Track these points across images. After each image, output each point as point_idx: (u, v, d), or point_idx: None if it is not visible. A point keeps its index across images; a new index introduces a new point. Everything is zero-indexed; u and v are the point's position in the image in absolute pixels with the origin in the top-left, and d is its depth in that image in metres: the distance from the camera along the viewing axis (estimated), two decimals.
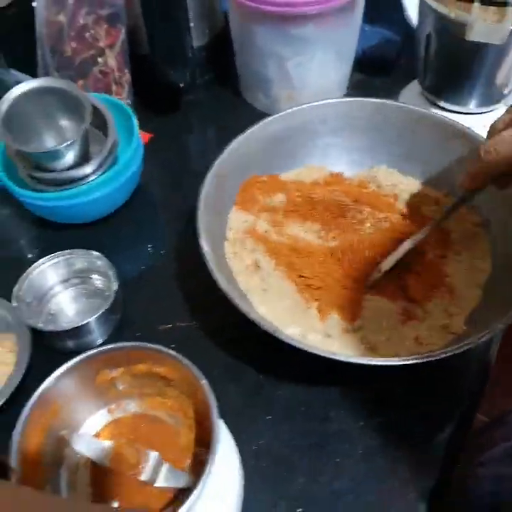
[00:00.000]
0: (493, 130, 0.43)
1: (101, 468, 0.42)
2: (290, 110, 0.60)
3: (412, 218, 0.55)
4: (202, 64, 0.77)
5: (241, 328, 0.52)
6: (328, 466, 0.46)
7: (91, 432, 0.44)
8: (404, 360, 0.40)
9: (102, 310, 0.51)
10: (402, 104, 0.60)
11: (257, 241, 0.53)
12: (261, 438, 0.48)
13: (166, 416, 0.45)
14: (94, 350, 0.41)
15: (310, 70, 0.70)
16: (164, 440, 0.43)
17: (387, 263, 0.49)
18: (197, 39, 0.74)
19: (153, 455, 0.41)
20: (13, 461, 0.37)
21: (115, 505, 0.40)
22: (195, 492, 0.35)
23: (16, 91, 0.55)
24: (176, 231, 0.64)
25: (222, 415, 0.39)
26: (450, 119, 0.57)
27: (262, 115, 0.75)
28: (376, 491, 0.45)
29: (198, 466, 0.42)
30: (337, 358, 0.41)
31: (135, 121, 0.62)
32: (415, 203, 0.57)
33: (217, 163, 0.54)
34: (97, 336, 0.53)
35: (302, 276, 0.49)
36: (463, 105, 0.64)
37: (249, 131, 0.58)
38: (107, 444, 0.42)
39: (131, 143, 0.61)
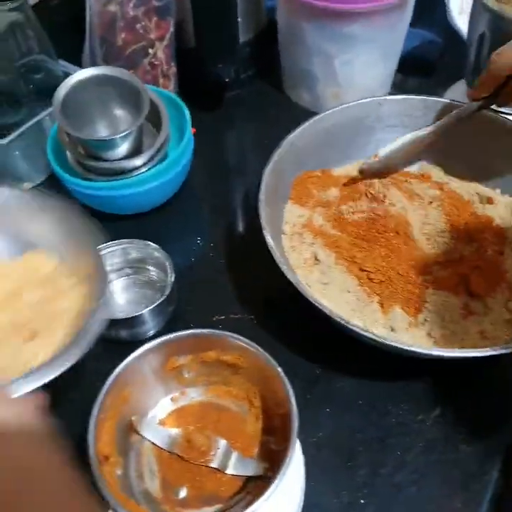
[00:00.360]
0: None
1: (169, 455, 0.42)
2: (344, 105, 0.60)
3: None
4: (246, 60, 0.77)
5: (297, 320, 0.52)
6: (389, 459, 0.46)
7: (156, 420, 0.44)
8: (485, 352, 0.40)
9: (158, 301, 0.51)
10: (455, 102, 0.59)
11: (315, 235, 0.53)
12: (321, 430, 0.47)
13: (232, 404, 0.45)
14: (166, 337, 0.41)
15: (356, 69, 0.71)
16: (231, 428, 0.43)
17: (384, 150, 0.55)
18: (243, 34, 0.74)
19: (223, 443, 0.41)
20: (91, 448, 0.37)
21: (184, 491, 0.40)
22: (276, 482, 0.35)
23: (75, 78, 0.55)
24: (221, 225, 0.64)
25: None
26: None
27: (305, 113, 0.76)
28: (438, 483, 0.45)
29: (266, 455, 0.42)
30: (422, 350, 0.41)
31: (188, 116, 0.62)
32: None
33: (274, 157, 0.54)
34: (151, 327, 0.53)
35: (364, 270, 0.49)
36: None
37: (302, 127, 0.58)
38: (175, 431, 0.42)
39: (181, 136, 0.61)
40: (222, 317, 0.55)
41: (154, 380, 0.43)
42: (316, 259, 0.51)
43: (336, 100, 0.73)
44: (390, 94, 0.78)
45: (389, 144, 0.57)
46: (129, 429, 0.42)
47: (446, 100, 0.60)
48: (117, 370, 0.39)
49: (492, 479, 0.45)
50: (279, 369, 0.39)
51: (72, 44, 0.73)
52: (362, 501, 0.44)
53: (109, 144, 0.56)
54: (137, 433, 0.42)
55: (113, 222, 0.63)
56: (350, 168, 0.60)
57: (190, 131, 0.62)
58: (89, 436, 0.37)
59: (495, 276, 0.49)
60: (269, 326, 0.54)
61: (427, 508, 0.44)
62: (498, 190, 0.58)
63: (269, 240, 0.47)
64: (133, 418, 0.42)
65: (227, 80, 0.73)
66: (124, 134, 0.55)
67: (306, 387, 0.50)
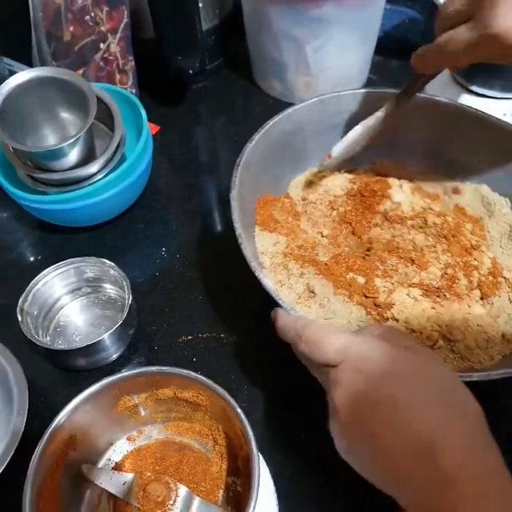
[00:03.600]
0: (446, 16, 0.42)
1: (127, 504, 0.38)
2: (290, 109, 0.53)
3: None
4: (211, 49, 0.71)
5: (273, 339, 0.48)
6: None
7: (111, 464, 0.40)
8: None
9: (116, 326, 0.46)
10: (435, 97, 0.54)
11: (302, 263, 0.47)
12: (294, 462, 0.43)
13: (195, 442, 0.41)
14: (114, 377, 0.37)
15: (329, 55, 0.65)
16: (194, 470, 0.39)
17: (337, 148, 0.50)
18: (205, 21, 0.68)
19: (184, 490, 0.37)
20: (27, 502, 0.33)
21: None
22: None
23: (12, 82, 0.50)
24: (189, 232, 0.59)
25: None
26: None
27: (277, 103, 0.71)
28: None
29: (232, 498, 0.38)
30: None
31: (144, 113, 0.57)
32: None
33: (236, 179, 0.46)
34: (112, 352, 0.49)
35: (368, 297, 0.44)
36: (498, 90, 0.59)
37: (254, 141, 0.50)
38: (130, 477, 0.38)
39: (139, 136, 0.56)
40: (190, 337, 0.51)
41: (106, 421, 0.39)
42: (311, 292, 0.45)
43: (308, 89, 0.67)
44: (369, 80, 0.72)
45: (340, 141, 0.51)
46: (80, 478, 0.38)
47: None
48: (56, 420, 0.35)
49: None
50: (239, 410, 0.35)
51: (21, 40, 0.67)
52: None
53: (55, 153, 0.50)
54: (90, 482, 0.38)
55: (69, 235, 0.59)
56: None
57: (147, 129, 0.56)
58: (24, 500, 0.32)
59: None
60: (242, 346, 0.50)
61: None
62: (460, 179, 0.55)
63: (260, 277, 0.40)
64: (83, 466, 0.38)
65: (190, 72, 0.68)
66: (70, 141, 0.50)
67: (280, 412, 0.46)
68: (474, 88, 0.61)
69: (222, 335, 0.51)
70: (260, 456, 0.37)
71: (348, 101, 0.55)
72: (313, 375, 0.36)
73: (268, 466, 0.40)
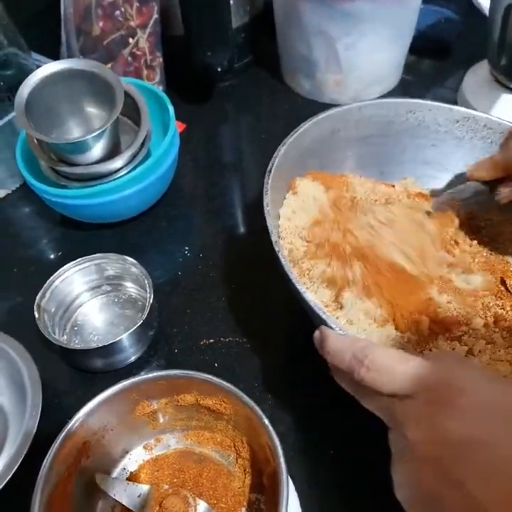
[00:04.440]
0: None
1: None
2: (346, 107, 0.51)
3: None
4: (240, 47, 0.69)
5: (303, 346, 0.45)
6: None
7: (126, 473, 0.38)
8: None
9: (135, 326, 0.44)
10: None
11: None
12: (321, 478, 0.40)
13: (216, 454, 0.38)
14: (133, 380, 0.35)
15: (360, 53, 0.63)
16: (214, 484, 0.36)
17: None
18: (236, 18, 0.66)
19: (203, 506, 0.34)
20: (36, 510, 0.31)
21: None
22: None
23: (39, 74, 0.49)
24: (213, 232, 0.57)
25: None
26: None
27: (305, 102, 0.68)
28: None
29: None
30: None
31: (171, 109, 0.55)
32: None
33: (267, 187, 0.42)
34: (130, 354, 0.47)
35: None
36: None
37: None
38: (146, 489, 0.36)
39: (165, 134, 0.54)
40: (211, 341, 0.49)
41: (122, 427, 0.37)
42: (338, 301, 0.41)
43: (339, 88, 0.65)
44: (402, 80, 0.70)
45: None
46: (93, 488, 0.36)
47: (430, 102, 0.51)
48: (69, 425, 0.33)
49: None
50: (266, 421, 0.32)
51: (50, 35, 0.66)
52: None
53: (79, 146, 0.49)
54: (103, 492, 0.36)
55: (91, 231, 0.57)
56: None
57: (174, 126, 0.55)
58: (33, 507, 0.30)
59: None
60: (266, 353, 0.47)
61: None
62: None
63: (281, 254, 0.37)
64: (97, 475, 0.36)
65: (219, 69, 0.66)
66: (95, 133, 0.48)
67: (306, 425, 0.43)
68: None
69: (246, 340, 0.49)
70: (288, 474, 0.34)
71: (390, 109, 0.52)
72: (367, 407, 0.31)
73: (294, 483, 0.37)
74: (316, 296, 0.42)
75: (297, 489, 0.37)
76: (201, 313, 0.51)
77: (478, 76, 0.63)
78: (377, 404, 0.30)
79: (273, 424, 0.33)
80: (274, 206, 0.44)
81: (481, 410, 0.26)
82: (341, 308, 0.40)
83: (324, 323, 0.34)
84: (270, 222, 0.40)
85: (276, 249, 0.38)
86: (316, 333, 0.33)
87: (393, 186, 0.54)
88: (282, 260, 0.37)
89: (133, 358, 0.47)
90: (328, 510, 0.39)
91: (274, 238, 0.39)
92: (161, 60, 0.64)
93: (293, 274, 0.36)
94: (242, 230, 0.58)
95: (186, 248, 0.56)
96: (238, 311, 0.51)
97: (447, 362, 0.29)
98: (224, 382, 0.34)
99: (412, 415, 0.27)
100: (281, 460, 0.31)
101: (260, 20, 0.71)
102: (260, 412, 0.33)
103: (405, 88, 0.70)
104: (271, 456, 0.32)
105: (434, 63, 0.72)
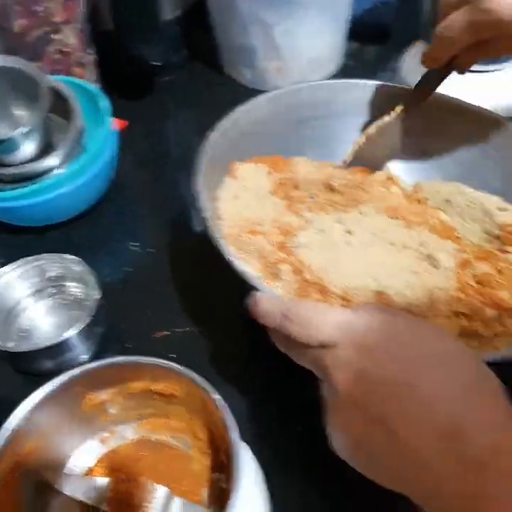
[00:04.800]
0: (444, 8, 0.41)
1: None
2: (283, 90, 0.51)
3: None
4: (176, 39, 0.69)
5: (251, 327, 0.45)
6: None
7: (81, 470, 0.36)
8: None
9: (83, 323, 0.43)
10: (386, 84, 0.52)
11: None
12: (284, 455, 0.40)
13: (172, 439, 0.37)
14: (76, 371, 0.33)
15: (299, 38, 0.63)
16: (173, 469, 0.35)
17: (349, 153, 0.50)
18: (168, 11, 0.66)
19: (162, 490, 0.33)
20: None
21: None
22: None
23: None
24: (162, 225, 0.56)
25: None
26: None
27: (248, 92, 0.68)
28: None
29: (218, 496, 0.34)
30: None
31: (104, 103, 0.54)
32: None
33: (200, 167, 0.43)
34: (80, 352, 0.45)
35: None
36: (481, 63, 0.58)
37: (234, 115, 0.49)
38: (102, 481, 0.34)
39: (101, 129, 0.53)
40: (165, 333, 0.48)
41: (71, 422, 0.35)
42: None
43: (280, 75, 0.65)
44: (342, 65, 0.71)
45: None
46: (45, 487, 0.34)
47: (365, 81, 0.52)
48: (5, 426, 0.31)
49: None
50: (217, 395, 0.32)
51: None
52: None
53: (7, 145, 0.48)
54: (56, 490, 0.34)
55: (33, 235, 0.55)
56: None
57: (109, 119, 0.54)
58: None
59: None
60: (221, 339, 0.47)
61: None
62: None
63: (211, 225, 0.38)
64: (48, 474, 0.34)
65: (154, 64, 0.65)
66: (22, 131, 0.47)
67: (265, 409, 0.42)
68: None
69: (200, 328, 0.48)
70: (245, 445, 0.34)
71: (329, 90, 0.52)
72: (300, 364, 0.32)
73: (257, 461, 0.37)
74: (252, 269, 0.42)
75: (260, 463, 0.36)
76: (153, 308, 0.50)
77: (414, 56, 0.65)
78: (308, 358, 0.30)
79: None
80: (211, 189, 0.43)
81: (404, 354, 0.26)
82: (280, 280, 0.40)
83: (256, 288, 0.34)
84: (203, 201, 0.39)
85: (208, 222, 0.38)
86: (249, 299, 0.33)
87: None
88: (212, 231, 0.37)
89: (84, 357, 0.45)
90: (292, 481, 0.38)
91: (204, 214, 0.38)
92: (93, 57, 0.63)
93: (223, 244, 0.37)
94: (189, 222, 0.58)
95: (133, 244, 0.55)
96: (191, 301, 0.50)
97: (371, 309, 0.30)
98: (173, 364, 0.33)
99: (340, 362, 0.27)
100: (233, 431, 0.30)
101: (193, 14, 0.71)
102: (210, 388, 0.32)
103: (346, 73, 0.71)
104: (224, 430, 0.31)
105: (374, 48, 0.73)
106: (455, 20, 0.41)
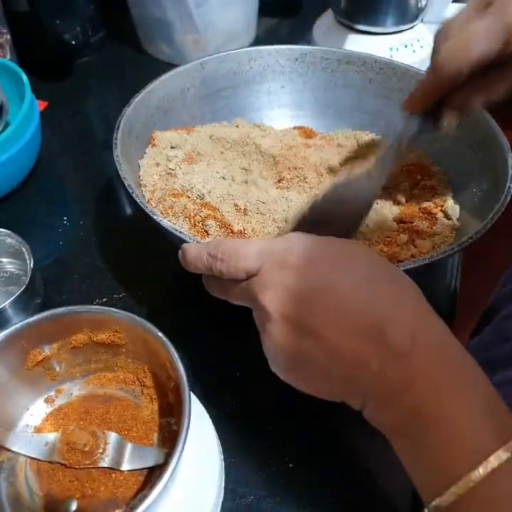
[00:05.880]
0: (446, 33, 0.35)
1: (50, 466, 0.34)
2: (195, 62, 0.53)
3: None
4: (93, 19, 0.69)
5: (189, 288, 0.46)
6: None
7: (30, 429, 0.36)
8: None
9: (17, 293, 0.43)
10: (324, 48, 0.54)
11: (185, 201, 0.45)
12: (232, 398, 0.42)
13: (120, 391, 0.38)
14: (16, 326, 0.33)
15: (213, 10, 0.65)
16: (122, 417, 0.36)
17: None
18: None
19: (113, 436, 0.34)
20: None
21: (75, 505, 0.33)
22: (170, 467, 0.29)
23: None
24: (91, 198, 0.57)
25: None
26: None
27: (168, 68, 0.69)
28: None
29: (169, 438, 0.35)
30: None
31: (24, 78, 0.54)
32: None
33: (116, 142, 0.44)
34: None
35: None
36: (381, 25, 0.62)
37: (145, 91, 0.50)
38: (53, 436, 0.35)
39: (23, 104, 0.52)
40: (105, 299, 0.48)
41: (17, 382, 0.35)
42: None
43: (198, 48, 0.67)
44: (257, 38, 0.73)
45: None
46: None
47: (266, 47, 0.55)
48: None
49: None
50: (160, 334, 0.33)
51: None
52: (291, 465, 0.39)
53: None
54: (5, 449, 0.34)
55: None
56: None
57: (30, 94, 0.53)
58: None
59: None
60: (162, 299, 0.48)
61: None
62: None
63: (135, 194, 0.39)
64: None
65: (73, 43, 0.65)
66: None
67: (212, 364, 0.44)
68: (360, 27, 0.63)
69: (140, 292, 0.49)
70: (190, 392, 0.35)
71: (232, 60, 0.54)
72: (235, 303, 0.33)
73: (206, 410, 0.38)
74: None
75: (208, 412, 0.37)
76: (90, 277, 0.50)
77: (325, 24, 0.68)
78: (240, 292, 0.31)
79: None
80: (132, 160, 0.46)
81: (318, 263, 0.28)
82: (207, 235, 0.42)
83: (183, 240, 0.36)
84: (124, 171, 0.41)
85: (130, 191, 0.40)
86: (179, 253, 0.35)
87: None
88: (136, 197, 0.39)
89: None
90: (238, 427, 0.40)
91: (127, 182, 0.40)
92: (7, 36, 0.62)
93: (148, 207, 0.38)
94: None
95: (64, 218, 0.55)
96: (127, 268, 0.50)
97: (288, 235, 0.32)
98: (112, 309, 0.34)
99: (265, 284, 0.29)
100: (180, 366, 0.32)
101: None
102: (153, 328, 0.33)
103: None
104: (171, 368, 0.33)
105: (287, 21, 0.76)
106: (475, 33, 0.33)
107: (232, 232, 0.42)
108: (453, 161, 0.48)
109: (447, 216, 0.45)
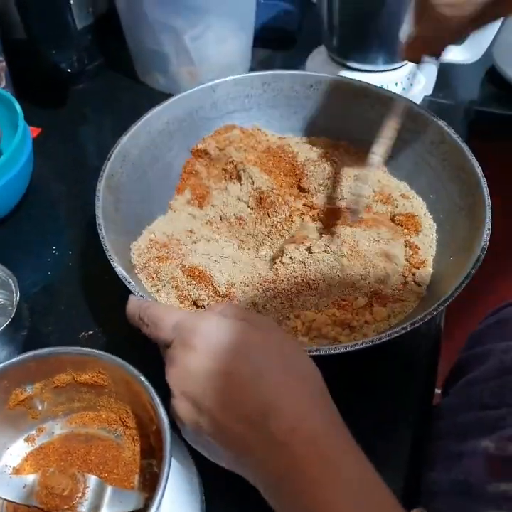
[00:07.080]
0: None
1: (29, 511, 0.34)
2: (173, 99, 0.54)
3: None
4: (89, 48, 0.69)
5: None
6: None
7: (8, 470, 0.36)
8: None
9: (2, 327, 0.42)
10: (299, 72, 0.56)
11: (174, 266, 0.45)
12: None
13: (102, 431, 0.37)
14: (0, 365, 0.33)
15: (208, 43, 0.66)
16: (104, 458, 0.36)
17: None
18: (79, 19, 0.66)
19: (93, 479, 0.34)
20: None
21: None
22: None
23: None
24: (81, 227, 0.56)
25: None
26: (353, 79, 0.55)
27: (163, 97, 0.70)
28: None
29: (150, 480, 0.35)
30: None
31: (18, 107, 0.54)
32: None
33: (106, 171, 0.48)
34: (3, 357, 0.44)
35: None
36: (372, 63, 0.63)
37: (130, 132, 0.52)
38: (31, 478, 0.34)
39: (16, 133, 0.53)
40: (91, 333, 0.48)
41: None
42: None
43: (193, 79, 0.67)
44: (252, 69, 0.74)
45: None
46: None
47: (282, 72, 0.56)
48: None
49: None
50: (142, 378, 0.33)
51: None
52: None
53: None
54: None
55: None
56: None
57: (24, 122, 0.53)
58: None
59: None
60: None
61: None
62: None
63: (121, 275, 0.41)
64: None
65: (69, 71, 0.65)
66: None
67: None
68: (351, 64, 0.64)
69: (127, 327, 0.48)
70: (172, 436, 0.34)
71: (244, 84, 0.56)
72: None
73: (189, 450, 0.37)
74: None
75: (192, 453, 0.37)
76: (76, 308, 0.50)
77: (318, 59, 0.69)
78: (163, 354, 0.33)
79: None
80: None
81: (217, 348, 0.29)
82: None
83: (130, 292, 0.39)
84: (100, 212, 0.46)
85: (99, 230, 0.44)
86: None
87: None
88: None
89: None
90: (222, 469, 0.39)
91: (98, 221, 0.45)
92: (3, 64, 0.62)
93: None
94: None
95: (54, 247, 0.54)
96: (115, 298, 0.50)
97: (203, 313, 0.33)
98: (94, 351, 0.34)
99: (169, 358, 0.31)
100: (161, 410, 0.32)
101: (106, 22, 0.72)
102: (135, 371, 0.33)
103: None
104: (153, 411, 0.32)
105: (281, 53, 0.77)
106: None
107: (220, 296, 0.43)
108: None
109: (416, 282, 0.45)
